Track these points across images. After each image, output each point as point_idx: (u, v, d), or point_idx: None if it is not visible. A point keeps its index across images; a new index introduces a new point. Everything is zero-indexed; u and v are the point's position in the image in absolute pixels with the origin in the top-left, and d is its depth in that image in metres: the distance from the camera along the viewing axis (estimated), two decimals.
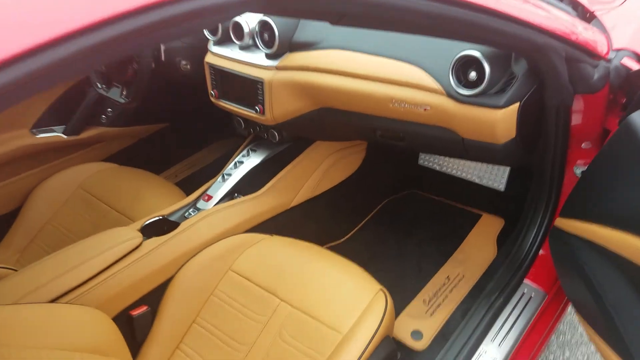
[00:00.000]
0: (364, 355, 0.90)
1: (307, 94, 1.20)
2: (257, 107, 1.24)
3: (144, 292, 1.06)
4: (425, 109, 1.05)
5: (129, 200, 1.40)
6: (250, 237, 1.20)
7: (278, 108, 1.23)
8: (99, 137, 1.64)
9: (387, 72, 1.07)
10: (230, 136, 1.94)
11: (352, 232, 1.64)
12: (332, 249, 1.19)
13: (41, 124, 1.54)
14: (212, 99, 1.35)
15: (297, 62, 1.17)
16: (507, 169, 1.56)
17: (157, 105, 1.71)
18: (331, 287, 1.04)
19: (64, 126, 1.58)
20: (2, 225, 1.39)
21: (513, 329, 1.12)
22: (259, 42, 1.20)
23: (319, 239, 1.26)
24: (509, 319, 1.13)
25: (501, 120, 0.99)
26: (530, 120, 1.04)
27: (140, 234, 1.09)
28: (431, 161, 1.72)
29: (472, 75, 0.98)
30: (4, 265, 1.03)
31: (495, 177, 1.59)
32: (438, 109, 1.03)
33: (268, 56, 1.20)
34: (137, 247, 1.06)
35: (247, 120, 1.40)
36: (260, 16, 1.18)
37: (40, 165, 1.53)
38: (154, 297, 1.07)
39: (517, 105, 0.98)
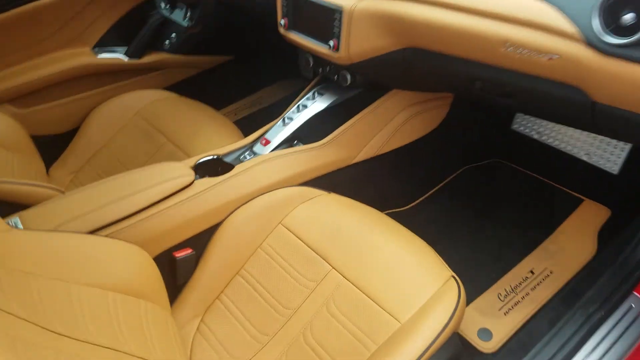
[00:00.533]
0: (426, 354, 0.76)
1: (394, 28, 1.01)
2: (331, 42, 1.07)
3: (189, 235, 0.98)
4: (550, 59, 0.82)
5: (185, 133, 1.32)
6: (306, 190, 1.09)
7: (356, 44, 1.05)
8: (160, 63, 1.56)
9: (503, 5, 0.84)
10: (296, 76, 1.80)
11: (418, 201, 1.46)
12: (392, 216, 1.05)
13: (103, 44, 1.48)
14: (281, 30, 1.19)
15: None
16: (628, 147, 1.27)
17: (222, 34, 1.59)
18: (392, 264, 0.91)
19: (126, 47, 1.51)
20: (59, 144, 1.38)
21: (612, 350, 0.93)
22: None
23: (380, 203, 1.12)
24: (608, 337, 0.92)
25: None
26: None
27: (192, 172, 1.01)
28: (529, 126, 1.44)
29: (628, 17, 0.72)
30: (54, 186, 0.99)
31: (610, 155, 1.30)
32: (569, 60, 0.80)
33: None
34: (188, 186, 0.98)
35: (316, 58, 1.24)
36: None
37: (99, 86, 1.48)
38: (199, 241, 1.00)
39: None
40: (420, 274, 0.88)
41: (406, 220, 1.05)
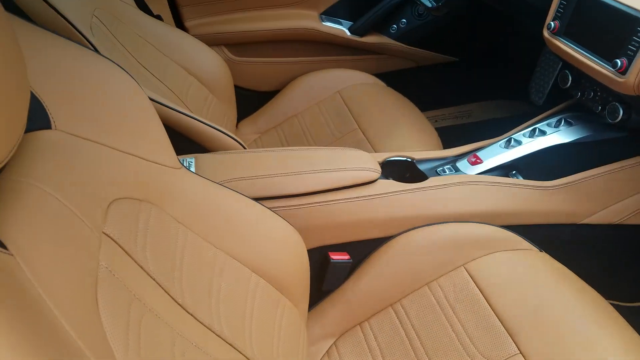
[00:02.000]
0: None
1: None
2: (618, 61, 0.77)
3: (352, 238, 0.82)
4: None
5: (380, 126, 1.17)
6: (511, 237, 0.82)
7: None
8: (380, 47, 1.45)
9: None
10: (521, 99, 1.50)
11: None
12: (615, 309, 0.74)
13: (331, 13, 1.42)
14: (546, 34, 0.93)
15: None
16: None
17: (456, 32, 1.41)
18: None
19: (351, 22, 1.43)
20: (256, 101, 1.37)
21: None
22: None
23: (601, 286, 0.80)
24: None
25: None
26: None
27: (379, 168, 0.85)
28: None
29: None
30: (239, 139, 0.94)
31: None
32: None
33: None
34: (371, 182, 0.82)
35: (581, 75, 0.94)
36: None
37: (313, 54, 1.44)
38: (360, 250, 0.83)
39: None
40: None
41: (630, 319, 0.73)
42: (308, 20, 1.39)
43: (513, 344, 0.69)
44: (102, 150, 0.49)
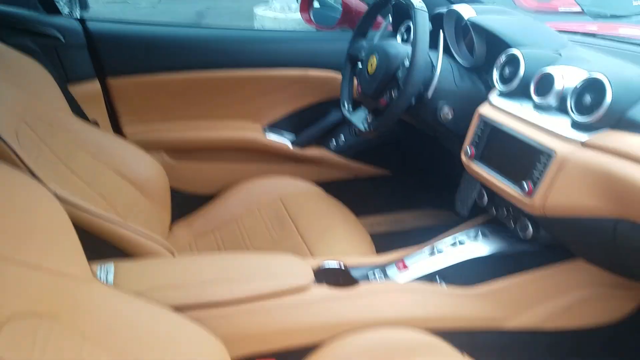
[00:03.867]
0: None
1: (614, 193, 0.79)
2: (525, 184, 0.89)
3: (281, 346, 0.81)
4: None
5: (317, 230, 1.22)
6: (437, 343, 0.85)
7: (558, 196, 0.85)
8: (319, 159, 1.56)
9: None
10: (448, 209, 1.63)
11: None
12: None
13: (274, 126, 1.53)
14: (464, 158, 1.06)
15: (621, 146, 0.78)
16: None
17: (390, 148, 1.55)
18: None
19: (293, 135, 1.55)
20: (193, 203, 1.38)
21: None
22: (571, 105, 0.86)
23: None
24: None
25: None
26: None
27: (312, 275, 0.87)
28: None
29: None
30: (168, 245, 0.92)
31: None
32: None
33: (578, 125, 0.85)
34: (302, 289, 0.84)
35: (493, 195, 1.06)
36: (589, 73, 0.85)
37: (253, 162, 1.51)
38: (289, 359, 0.82)
39: None
40: None
41: None
42: (251, 132, 1.48)
43: None
44: (8, 264, 0.48)
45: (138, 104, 1.40)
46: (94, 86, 1.33)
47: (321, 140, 1.56)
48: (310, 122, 1.54)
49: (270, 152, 1.52)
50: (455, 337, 0.90)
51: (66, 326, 0.51)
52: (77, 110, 1.22)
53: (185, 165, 1.45)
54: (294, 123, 1.55)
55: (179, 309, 0.67)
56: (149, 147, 1.33)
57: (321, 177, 1.58)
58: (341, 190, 1.54)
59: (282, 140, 1.52)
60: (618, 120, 0.80)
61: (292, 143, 1.53)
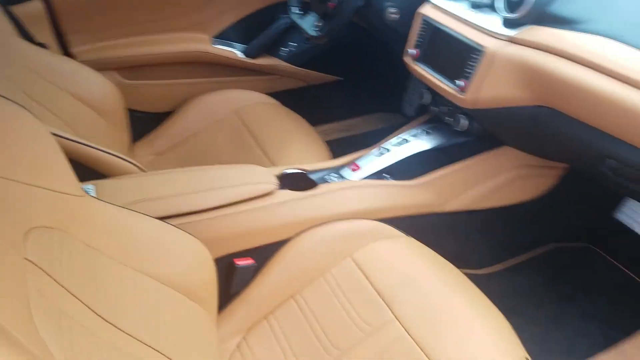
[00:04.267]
0: None
1: (535, 82, 0.90)
2: (459, 82, 0.99)
3: (254, 244, 0.94)
4: None
5: (276, 142, 1.30)
6: (384, 228, 1.00)
7: (487, 90, 0.96)
8: (272, 68, 1.58)
9: None
10: (396, 112, 1.74)
11: (497, 268, 1.33)
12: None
13: (224, 36, 1.51)
14: (408, 60, 1.13)
15: (542, 39, 0.88)
16: None
17: (341, 54, 1.58)
18: (465, 332, 0.80)
19: (244, 46, 1.54)
20: (150, 123, 1.40)
21: None
22: (504, 1, 0.93)
23: (457, 260, 1.02)
24: None
25: None
26: None
27: (276, 181, 0.97)
28: (633, 218, 1.33)
29: None
30: (136, 162, 0.99)
31: None
32: None
33: (506, 22, 0.93)
34: (268, 194, 0.94)
35: (435, 94, 1.16)
36: None
37: (206, 76, 1.51)
38: (262, 254, 0.95)
39: None
40: (493, 349, 0.77)
41: (480, 285, 0.94)
42: (200, 44, 1.46)
43: (390, 312, 0.85)
44: (9, 184, 0.54)
45: (83, 23, 1.33)
46: (37, 5, 1.25)
47: (272, 48, 1.56)
48: (260, 30, 1.53)
49: (221, 64, 1.51)
50: (401, 222, 1.05)
51: (73, 237, 0.59)
52: (25, 34, 1.17)
53: (138, 84, 1.44)
54: (243, 32, 1.54)
55: (161, 219, 0.75)
56: (99, 67, 1.30)
57: (274, 87, 1.62)
58: (295, 99, 1.59)
59: (232, 50, 1.52)
60: (541, 16, 0.89)
61: (243, 53, 1.53)
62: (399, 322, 0.83)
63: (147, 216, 0.73)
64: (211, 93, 1.42)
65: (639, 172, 0.86)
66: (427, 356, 0.77)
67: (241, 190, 0.92)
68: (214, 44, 1.50)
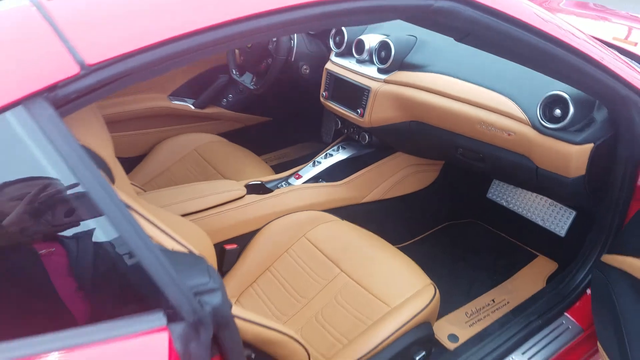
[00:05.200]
0: (403, 328, 1.04)
1: (405, 106, 1.41)
2: (358, 110, 1.48)
3: (237, 234, 1.30)
4: (509, 134, 1.19)
5: (232, 168, 1.67)
6: (326, 215, 1.41)
7: (376, 113, 1.45)
8: (217, 115, 1.97)
9: (480, 97, 1.23)
10: (316, 141, 2.19)
11: (408, 242, 1.78)
12: None
13: (177, 94, 1.89)
14: (322, 99, 1.61)
15: (404, 79, 1.39)
16: (572, 216, 1.62)
17: (270, 99, 1.99)
18: (388, 270, 1.20)
19: (194, 100, 1.92)
20: (126, 166, 1.69)
21: (544, 350, 1.21)
22: (375, 58, 1.44)
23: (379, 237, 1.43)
24: (543, 341, 1.22)
25: (575, 155, 1.10)
26: (600, 164, 1.13)
27: (244, 188, 1.35)
28: (500, 196, 1.80)
29: (557, 112, 1.10)
30: (139, 185, 1.31)
31: (559, 222, 1.65)
32: (521, 136, 1.17)
33: (380, 70, 1.44)
34: (241, 197, 1.32)
35: (344, 121, 1.64)
36: (381, 37, 1.43)
37: (167, 125, 1.86)
38: (243, 240, 1.31)
39: (591, 145, 1.08)
40: (408, 277, 1.18)
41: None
42: (159, 101, 1.83)
43: (337, 268, 1.24)
44: None
45: None
46: None
47: (215, 100, 1.96)
48: (205, 87, 1.93)
49: (178, 115, 1.88)
50: (335, 212, 1.48)
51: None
52: None
53: (113, 136, 1.73)
54: (192, 89, 1.92)
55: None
56: None
57: (221, 129, 2.01)
58: (237, 137, 1.99)
59: (185, 104, 1.90)
60: (400, 64, 1.41)
61: (194, 105, 1.91)
62: (345, 273, 1.23)
63: (173, 214, 1.07)
64: (173, 138, 1.78)
65: (475, 153, 1.38)
66: (366, 290, 1.17)
67: (223, 196, 1.29)
68: (172, 100, 1.86)
